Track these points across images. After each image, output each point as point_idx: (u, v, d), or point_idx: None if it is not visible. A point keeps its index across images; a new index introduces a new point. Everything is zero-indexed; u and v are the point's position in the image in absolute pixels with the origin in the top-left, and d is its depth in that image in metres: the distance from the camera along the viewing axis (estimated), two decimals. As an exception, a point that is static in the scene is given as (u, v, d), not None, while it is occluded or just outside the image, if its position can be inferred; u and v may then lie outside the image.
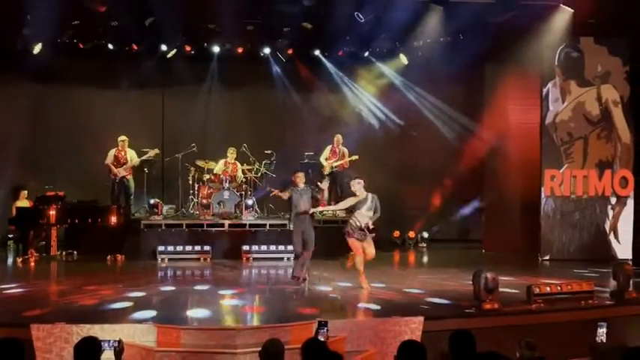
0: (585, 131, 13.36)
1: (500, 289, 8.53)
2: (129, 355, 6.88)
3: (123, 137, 13.74)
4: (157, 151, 13.97)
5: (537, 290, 8.76)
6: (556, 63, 13.40)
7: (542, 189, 13.30)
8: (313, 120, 15.43)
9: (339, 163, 14.23)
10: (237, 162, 13.89)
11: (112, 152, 13.72)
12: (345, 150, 14.31)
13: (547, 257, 13.16)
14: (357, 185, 9.74)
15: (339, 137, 14.37)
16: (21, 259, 12.01)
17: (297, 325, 7.56)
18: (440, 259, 13.67)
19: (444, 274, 11.20)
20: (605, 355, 5.01)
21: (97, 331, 6.94)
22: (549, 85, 13.39)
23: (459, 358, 4.92)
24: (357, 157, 14.19)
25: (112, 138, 13.81)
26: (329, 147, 14.40)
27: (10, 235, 13.39)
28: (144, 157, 13.80)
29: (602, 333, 5.47)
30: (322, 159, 14.37)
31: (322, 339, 5.54)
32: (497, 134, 14.50)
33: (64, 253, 12.67)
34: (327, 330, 5.63)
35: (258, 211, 13.65)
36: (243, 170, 13.91)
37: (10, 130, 14.10)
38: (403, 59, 15.29)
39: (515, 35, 13.08)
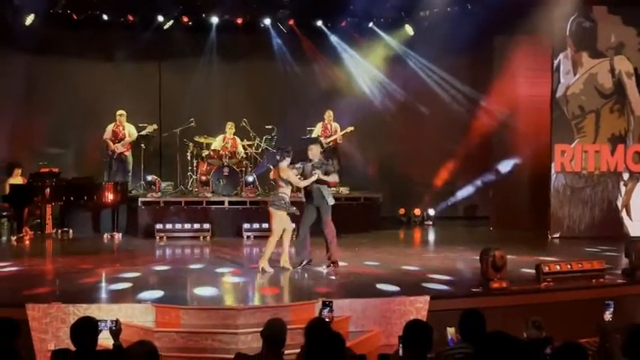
0: (597, 104, 13.30)
1: (509, 268, 8.54)
2: (127, 336, 6.91)
3: (121, 112, 13.70)
4: (155, 126, 13.95)
5: (547, 269, 8.77)
6: (567, 33, 13.30)
7: (553, 164, 13.26)
8: (315, 93, 15.38)
9: (331, 139, 14.18)
10: (236, 137, 13.85)
11: (110, 127, 13.69)
12: (337, 126, 14.24)
13: (557, 235, 13.17)
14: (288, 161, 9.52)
15: (330, 113, 14.27)
16: (15, 237, 12.04)
17: (299, 304, 7.61)
18: (446, 237, 13.69)
19: (451, 253, 11.24)
20: (611, 334, 5.03)
21: (94, 310, 6.97)
22: (560, 56, 13.30)
23: (469, 337, 4.96)
24: (351, 128, 14.09)
25: (107, 112, 13.78)
26: (320, 124, 14.31)
27: (4, 213, 13.40)
28: (142, 133, 13.78)
29: (609, 312, 5.48)
30: (314, 136, 14.33)
31: (327, 319, 5.57)
32: (506, 108, 14.46)
33: (59, 231, 12.71)
34: (332, 310, 5.65)
35: (259, 188, 13.65)
36: (243, 146, 13.89)
37: (2, 105, 14.08)
38: (409, 30, 15.20)
39: (526, 4, 12.95)
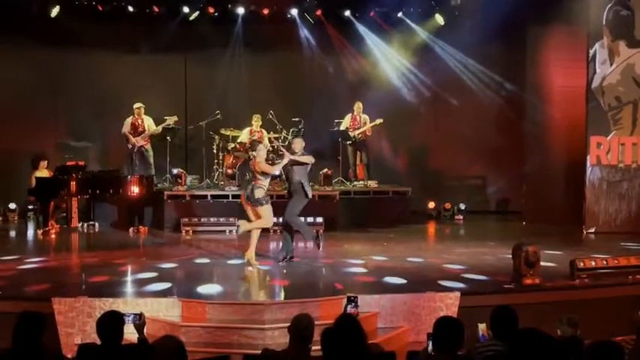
0: (635, 95, 13.09)
1: (542, 264, 8.47)
2: (153, 330, 7.01)
3: (138, 104, 13.78)
4: (175, 118, 13.98)
5: (581, 264, 8.68)
6: (604, 22, 13.09)
7: (588, 157, 13.10)
8: (343, 85, 15.36)
9: (360, 131, 14.18)
10: (262, 130, 13.89)
11: (129, 120, 13.79)
12: (367, 117, 14.24)
13: (592, 230, 13.02)
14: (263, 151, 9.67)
15: (359, 105, 14.28)
16: (41, 230, 12.19)
17: (327, 299, 7.61)
18: (478, 231, 13.60)
19: (482, 248, 11.16)
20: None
21: (120, 305, 7.06)
22: (596, 46, 13.11)
23: (501, 334, 4.93)
24: (380, 120, 14.11)
25: (132, 105, 13.84)
26: (349, 115, 14.33)
27: (30, 207, 13.59)
28: (163, 125, 13.85)
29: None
30: (342, 129, 14.32)
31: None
32: (540, 99, 14.32)
33: (85, 224, 12.85)
34: (357, 305, 5.65)
35: (286, 181, 13.65)
36: (269, 138, 13.92)
37: (27, 97, 14.27)
38: (439, 19, 15.10)
39: (560, -8, 12.84)
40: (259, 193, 9.28)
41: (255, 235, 9.42)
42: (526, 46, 14.64)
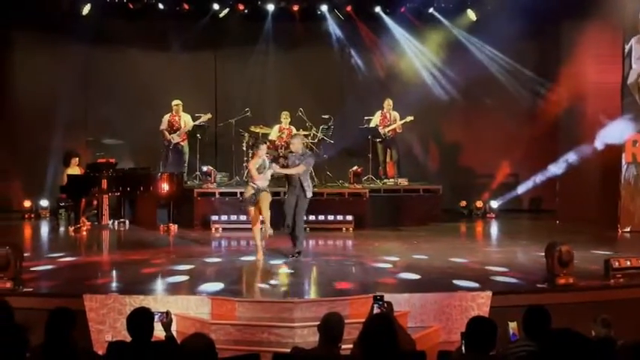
0: (671, 91, 12.91)
1: (576, 263, 8.38)
2: (183, 328, 7.08)
3: (177, 101, 13.90)
4: (209, 115, 14.10)
5: (616, 264, 8.57)
6: (640, 17, 12.93)
7: (623, 155, 12.93)
8: (373, 82, 15.34)
9: (390, 128, 14.14)
10: (292, 127, 13.91)
11: (166, 117, 13.92)
12: (397, 114, 14.19)
13: (627, 229, 12.85)
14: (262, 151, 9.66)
15: (389, 101, 14.25)
16: (73, 228, 12.34)
17: (357, 298, 7.60)
18: (510, 230, 13.50)
19: (515, 247, 11.09)
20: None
21: (150, 302, 7.12)
22: (632, 41, 12.91)
23: (533, 334, 4.89)
24: (411, 117, 14.07)
25: (163, 102, 13.99)
26: (379, 112, 14.30)
27: (62, 204, 13.76)
28: (196, 122, 13.97)
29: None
30: (372, 126, 14.28)
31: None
32: (574, 95, 14.15)
33: (115, 222, 12.97)
34: (384, 305, 5.61)
35: (315, 179, 13.67)
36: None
37: (59, 95, 14.44)
38: (471, 15, 15.02)
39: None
40: (247, 192, 9.53)
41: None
42: (560, 42, 14.49)
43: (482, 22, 14.73)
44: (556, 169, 14.75)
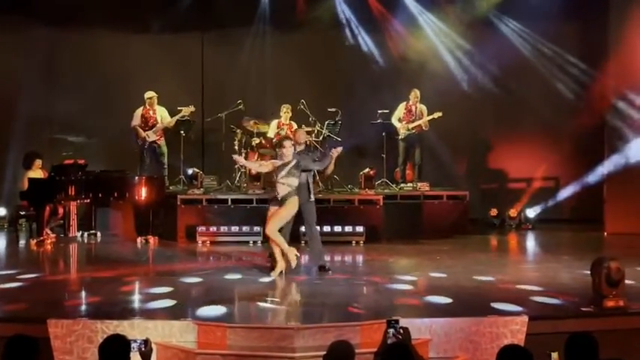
0: None
1: (627, 282, 8.37)
2: (164, 358, 7.06)
3: (150, 93, 13.91)
4: (192, 108, 14.08)
5: (675, 284, 8.58)
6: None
7: (682, 156, 12.96)
8: (387, 69, 15.36)
9: (415, 124, 14.11)
10: (293, 123, 13.92)
11: (139, 112, 13.93)
12: (424, 108, 14.19)
13: (688, 243, 12.86)
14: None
15: (416, 92, 14.26)
16: (35, 241, 12.36)
17: (369, 324, 7.58)
18: (549, 243, 13.52)
19: (555, 263, 11.08)
20: None
21: (126, 328, 7.10)
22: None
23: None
24: (439, 114, 14.10)
25: (141, 93, 14.03)
26: (403, 104, 14.31)
27: (22, 213, 13.78)
28: (177, 117, 13.95)
29: None
30: (394, 120, 14.29)
31: (389, 342, 5.54)
32: (624, 85, 14.14)
33: (85, 233, 12.99)
34: (400, 331, 5.60)
35: (320, 184, 13.67)
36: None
37: (21, 85, 14.48)
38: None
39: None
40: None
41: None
42: (608, 23, 14.45)
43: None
44: (603, 171, 14.75)
